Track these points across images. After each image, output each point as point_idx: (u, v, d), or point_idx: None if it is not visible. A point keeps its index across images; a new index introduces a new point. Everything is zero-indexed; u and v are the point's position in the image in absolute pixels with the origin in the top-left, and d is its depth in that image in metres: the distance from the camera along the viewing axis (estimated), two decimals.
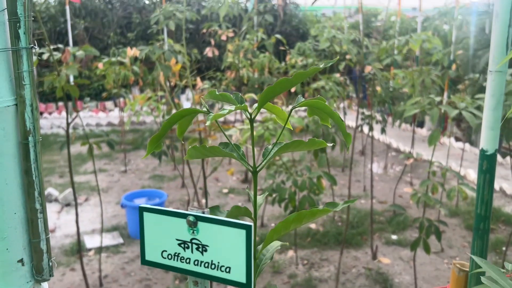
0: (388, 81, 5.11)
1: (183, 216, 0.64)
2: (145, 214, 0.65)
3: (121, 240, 3.95)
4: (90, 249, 3.81)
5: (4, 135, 0.69)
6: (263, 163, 0.66)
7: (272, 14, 10.10)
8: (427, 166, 4.61)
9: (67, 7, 7.44)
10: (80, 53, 2.75)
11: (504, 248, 3.71)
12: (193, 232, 0.63)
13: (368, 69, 3.53)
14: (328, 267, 3.50)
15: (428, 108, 2.65)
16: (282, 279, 3.35)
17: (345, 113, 5.86)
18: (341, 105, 6.67)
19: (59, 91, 2.44)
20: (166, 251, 0.66)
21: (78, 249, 3.30)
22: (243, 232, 0.59)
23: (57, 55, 2.70)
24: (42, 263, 0.74)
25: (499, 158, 6.04)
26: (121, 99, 7.19)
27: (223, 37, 6.04)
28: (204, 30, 6.26)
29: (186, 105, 4.97)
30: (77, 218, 2.99)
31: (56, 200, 4.78)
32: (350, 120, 8.12)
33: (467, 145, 6.45)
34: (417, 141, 6.80)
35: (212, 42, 6.33)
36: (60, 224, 4.28)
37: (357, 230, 4.11)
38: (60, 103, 9.44)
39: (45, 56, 2.66)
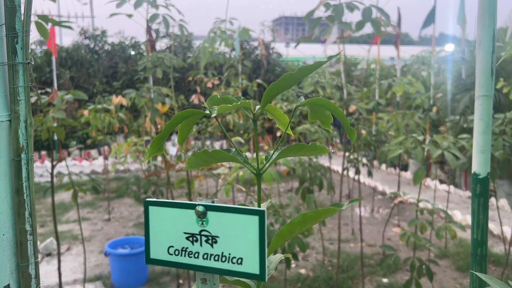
0: (371, 125, 5.20)
1: (192, 207, 0.61)
2: (151, 208, 0.62)
3: None
4: None
5: None
6: (267, 166, 0.65)
7: (256, 62, 10.35)
8: (414, 208, 4.61)
9: (53, 57, 7.53)
10: (68, 96, 2.75)
11: None
12: (202, 224, 0.60)
13: (352, 108, 3.60)
14: None
15: (412, 148, 2.68)
16: None
17: (330, 157, 5.90)
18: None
19: (44, 132, 2.41)
20: (172, 246, 0.63)
21: None
22: (255, 219, 0.56)
23: (45, 98, 2.70)
24: None
25: None
26: (106, 147, 7.14)
27: (209, 85, 6.14)
28: (190, 78, 6.37)
29: (172, 150, 4.95)
30: (59, 265, 2.88)
31: None
32: (336, 165, 8.17)
33: (452, 188, 6.50)
34: (402, 184, 6.85)
35: (198, 89, 6.42)
36: (40, 275, 4.10)
37: (347, 274, 4.03)
38: (43, 152, 9.32)
39: (32, 100, 2.65)
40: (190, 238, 0.62)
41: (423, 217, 4.25)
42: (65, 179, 7.38)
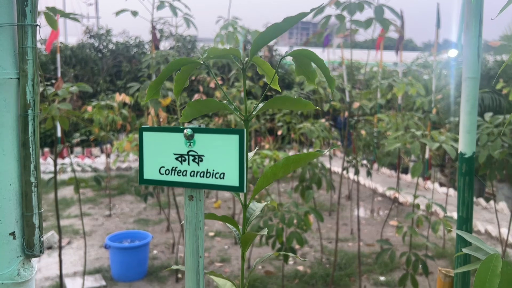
0: (372, 127, 5.24)
1: (181, 130, 0.68)
2: (145, 133, 0.69)
3: (103, 283, 3.83)
4: None
5: (5, 106, 0.72)
6: (254, 114, 0.70)
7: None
8: (410, 204, 4.64)
9: (58, 55, 7.59)
10: (73, 88, 2.80)
11: None
12: (189, 145, 0.67)
13: (356, 105, 3.64)
14: None
15: (410, 141, 2.72)
16: None
17: (330, 157, 5.93)
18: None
19: (49, 121, 2.46)
20: (163, 167, 0.70)
21: None
22: (236, 138, 0.62)
23: (51, 89, 2.75)
24: (33, 238, 0.74)
25: (483, 202, 6.11)
26: (108, 145, 7.20)
27: (212, 85, 6.19)
28: (193, 77, 6.43)
29: None
30: (60, 257, 2.92)
31: None
32: (336, 167, 8.20)
33: (451, 190, 6.52)
34: (403, 186, 6.89)
35: (201, 89, 6.48)
36: (41, 266, 4.15)
37: (345, 271, 4.06)
38: (46, 149, 9.39)
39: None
40: (179, 158, 0.69)
41: (420, 212, 4.28)
42: (67, 175, 7.45)
